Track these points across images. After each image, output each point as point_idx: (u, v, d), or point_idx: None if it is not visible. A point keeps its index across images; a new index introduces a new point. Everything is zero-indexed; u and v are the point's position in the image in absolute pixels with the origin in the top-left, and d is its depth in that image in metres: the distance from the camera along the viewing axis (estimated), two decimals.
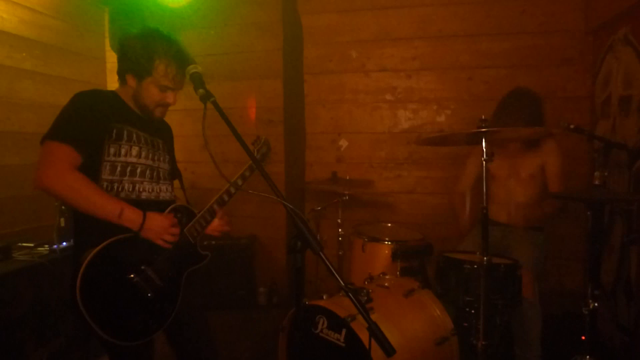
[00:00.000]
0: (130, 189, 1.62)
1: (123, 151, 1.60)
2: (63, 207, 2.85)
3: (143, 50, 1.60)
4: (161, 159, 1.77)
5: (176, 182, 1.93)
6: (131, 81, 1.67)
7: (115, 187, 1.60)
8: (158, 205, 1.68)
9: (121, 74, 1.70)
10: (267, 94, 3.74)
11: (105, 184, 1.58)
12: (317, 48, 3.72)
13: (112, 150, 1.58)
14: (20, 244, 2.79)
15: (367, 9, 3.61)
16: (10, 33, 3.04)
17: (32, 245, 2.79)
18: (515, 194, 2.73)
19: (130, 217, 1.53)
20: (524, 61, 3.36)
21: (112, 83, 4.03)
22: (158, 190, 1.72)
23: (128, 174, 1.62)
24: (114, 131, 1.58)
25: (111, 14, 3.56)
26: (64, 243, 2.79)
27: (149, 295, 1.58)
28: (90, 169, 1.55)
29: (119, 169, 1.59)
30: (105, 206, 1.50)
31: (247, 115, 3.73)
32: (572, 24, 3.27)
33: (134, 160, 1.62)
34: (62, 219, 2.84)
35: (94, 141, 1.55)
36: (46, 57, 3.34)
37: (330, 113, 3.74)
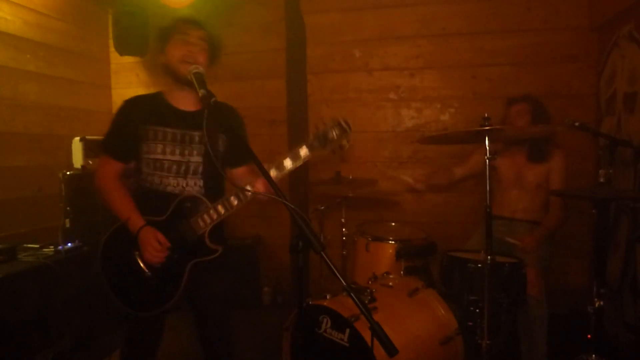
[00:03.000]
0: (159, 182, 1.80)
1: (151, 149, 1.78)
2: (68, 209, 2.87)
3: (163, 26, 1.83)
4: (194, 152, 1.80)
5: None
6: (162, 58, 1.81)
7: (149, 179, 1.80)
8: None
9: (160, 66, 1.84)
10: (270, 93, 3.74)
11: (146, 176, 1.81)
12: (320, 47, 3.71)
13: (144, 149, 1.79)
14: (25, 245, 2.81)
15: (370, 8, 3.60)
16: (15, 35, 3.06)
17: (37, 246, 2.81)
18: (520, 200, 2.75)
19: (132, 225, 1.74)
20: (528, 59, 3.33)
21: (116, 84, 4.05)
22: (184, 185, 1.80)
23: (158, 168, 1.79)
24: (150, 132, 1.79)
25: (114, 15, 3.57)
26: (69, 244, 2.81)
27: (148, 273, 1.74)
28: (139, 166, 1.83)
29: (151, 164, 1.79)
30: (120, 211, 1.77)
31: (250, 115, 3.73)
32: (576, 21, 3.24)
33: (159, 156, 1.78)
34: (67, 220, 2.86)
35: (130, 146, 1.80)
36: (50, 59, 3.36)
37: (334, 112, 3.73)
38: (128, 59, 3.87)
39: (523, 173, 2.74)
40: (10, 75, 3.03)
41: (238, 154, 1.91)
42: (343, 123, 1.66)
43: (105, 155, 1.86)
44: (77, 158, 3.14)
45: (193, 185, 1.81)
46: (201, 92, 1.53)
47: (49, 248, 2.78)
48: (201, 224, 1.72)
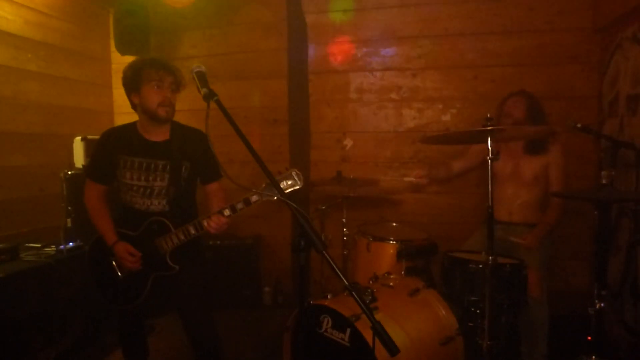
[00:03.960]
0: (130, 200, 2.12)
1: (122, 175, 2.10)
2: (69, 208, 2.87)
3: (132, 70, 2.05)
4: (158, 178, 2.08)
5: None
6: (136, 99, 2.05)
7: (124, 197, 2.14)
8: (148, 215, 2.09)
9: (131, 102, 2.08)
10: (271, 93, 3.74)
11: (122, 194, 2.15)
12: (322, 47, 3.71)
13: (118, 174, 2.11)
14: (27, 245, 2.81)
15: (372, 8, 3.59)
16: (16, 34, 3.06)
17: (39, 245, 2.81)
18: (517, 195, 2.74)
19: (107, 240, 2.10)
20: (531, 60, 3.33)
21: (117, 83, 4.02)
22: (149, 204, 2.10)
23: (129, 190, 2.11)
24: (120, 161, 2.09)
25: (116, 15, 3.57)
26: (71, 243, 2.81)
27: (120, 275, 2.11)
28: (119, 186, 2.15)
29: (124, 186, 2.12)
30: (99, 228, 2.13)
31: (252, 114, 3.73)
32: (580, 22, 3.23)
33: (128, 182, 2.09)
34: (68, 220, 2.86)
35: (109, 171, 2.13)
36: (51, 59, 3.36)
37: (335, 112, 3.73)
38: (129, 59, 3.84)
39: (520, 166, 2.72)
40: (11, 75, 3.03)
41: (207, 173, 2.19)
42: (295, 175, 1.88)
43: (89, 180, 2.19)
44: (79, 158, 3.15)
45: (157, 205, 2.10)
46: (203, 90, 1.54)
47: (51, 247, 2.78)
48: (164, 245, 2.04)
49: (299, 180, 1.88)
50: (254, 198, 1.90)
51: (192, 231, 1.99)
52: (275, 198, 1.46)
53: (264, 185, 1.79)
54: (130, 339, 2.31)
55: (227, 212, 1.94)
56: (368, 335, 1.82)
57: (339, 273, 1.20)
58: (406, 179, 3.12)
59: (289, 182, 1.87)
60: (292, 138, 3.75)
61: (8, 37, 3.00)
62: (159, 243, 2.05)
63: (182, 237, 2.01)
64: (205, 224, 1.96)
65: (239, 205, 1.93)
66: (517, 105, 2.68)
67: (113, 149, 2.10)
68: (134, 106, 2.09)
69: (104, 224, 2.13)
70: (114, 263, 2.12)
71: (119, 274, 2.11)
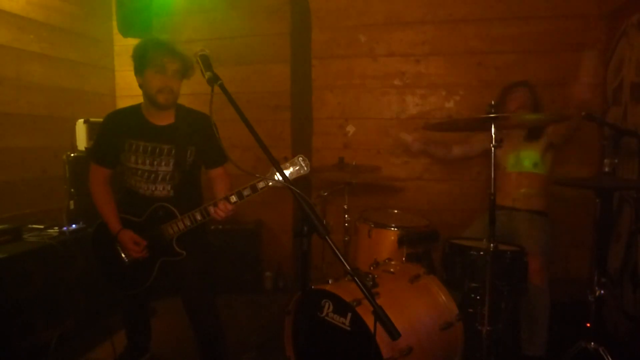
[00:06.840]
0: (134, 184, 2.11)
1: (127, 158, 2.08)
2: (72, 190, 2.88)
3: (138, 51, 2.02)
4: (163, 163, 2.07)
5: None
6: (139, 80, 2.03)
7: (127, 180, 2.13)
8: (153, 200, 2.08)
9: (138, 81, 2.05)
10: (274, 78, 3.72)
11: (126, 178, 2.14)
12: (325, 32, 3.67)
13: (123, 157, 2.09)
14: (30, 226, 2.83)
15: None
16: (18, 15, 3.03)
17: (42, 227, 2.83)
18: (520, 184, 2.78)
19: (111, 228, 2.08)
20: (535, 46, 3.30)
21: (120, 66, 4.03)
22: (153, 189, 2.10)
23: (133, 174, 2.09)
24: (125, 144, 2.06)
25: None
26: (74, 225, 2.83)
27: (126, 260, 2.11)
28: (123, 170, 2.15)
29: (128, 170, 2.11)
30: (103, 214, 2.12)
31: (254, 100, 3.72)
32: (585, 9, 3.20)
33: (133, 165, 2.07)
34: (71, 202, 2.87)
35: (113, 154, 2.10)
36: (54, 40, 3.34)
37: (338, 98, 3.71)
38: (132, 41, 3.82)
39: (521, 154, 2.78)
40: (13, 56, 3.02)
41: (212, 158, 2.17)
42: (302, 161, 1.84)
43: (93, 163, 2.17)
44: (81, 140, 3.15)
45: (162, 190, 2.10)
46: (207, 74, 1.54)
47: (54, 229, 2.80)
48: (170, 231, 2.04)
49: (306, 166, 1.84)
50: (261, 184, 1.85)
51: (199, 217, 1.98)
52: (281, 184, 1.44)
53: (270, 172, 1.76)
54: (134, 321, 2.33)
55: (233, 199, 1.91)
56: (369, 319, 1.84)
57: (342, 258, 1.21)
58: (402, 135, 3.23)
59: (296, 168, 1.83)
60: (294, 124, 3.74)
61: (10, 17, 2.97)
62: (165, 229, 2.04)
63: (188, 223, 2.01)
64: (211, 210, 1.94)
65: (246, 192, 1.89)
66: (523, 103, 2.74)
67: (118, 131, 2.07)
68: (140, 89, 2.07)
69: (107, 210, 2.11)
70: (119, 249, 2.12)
71: (125, 259, 2.11)
